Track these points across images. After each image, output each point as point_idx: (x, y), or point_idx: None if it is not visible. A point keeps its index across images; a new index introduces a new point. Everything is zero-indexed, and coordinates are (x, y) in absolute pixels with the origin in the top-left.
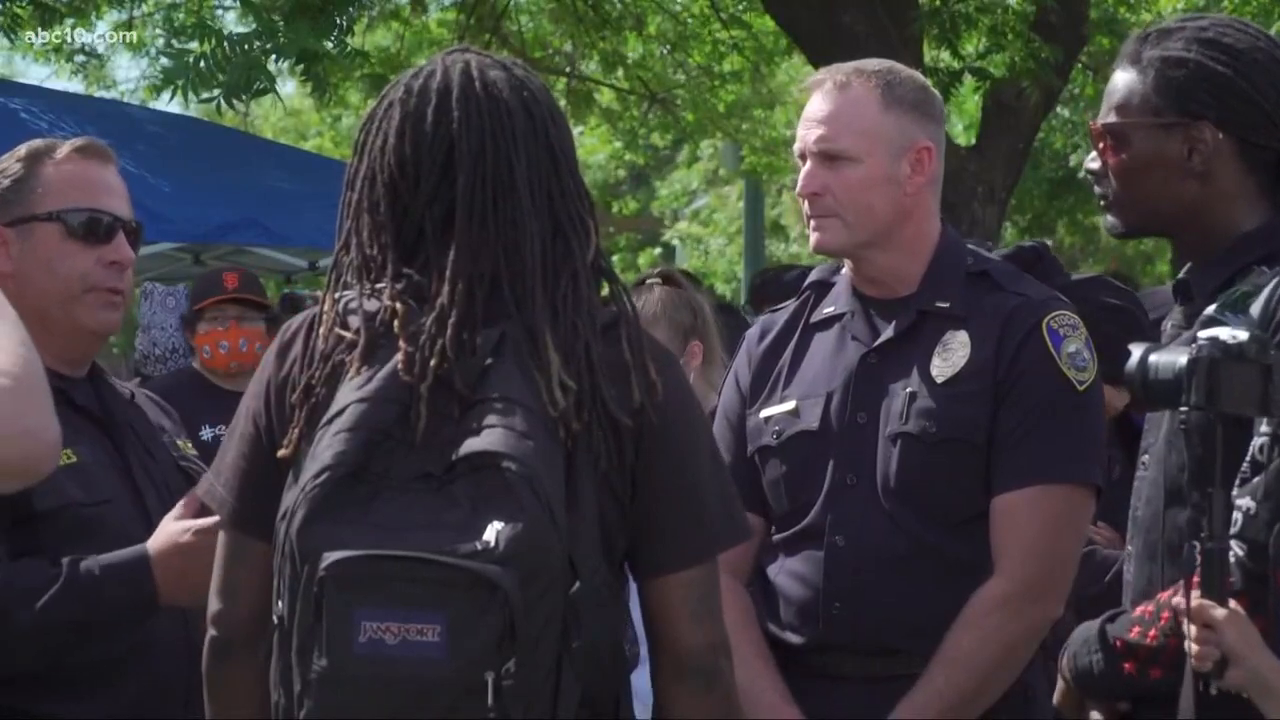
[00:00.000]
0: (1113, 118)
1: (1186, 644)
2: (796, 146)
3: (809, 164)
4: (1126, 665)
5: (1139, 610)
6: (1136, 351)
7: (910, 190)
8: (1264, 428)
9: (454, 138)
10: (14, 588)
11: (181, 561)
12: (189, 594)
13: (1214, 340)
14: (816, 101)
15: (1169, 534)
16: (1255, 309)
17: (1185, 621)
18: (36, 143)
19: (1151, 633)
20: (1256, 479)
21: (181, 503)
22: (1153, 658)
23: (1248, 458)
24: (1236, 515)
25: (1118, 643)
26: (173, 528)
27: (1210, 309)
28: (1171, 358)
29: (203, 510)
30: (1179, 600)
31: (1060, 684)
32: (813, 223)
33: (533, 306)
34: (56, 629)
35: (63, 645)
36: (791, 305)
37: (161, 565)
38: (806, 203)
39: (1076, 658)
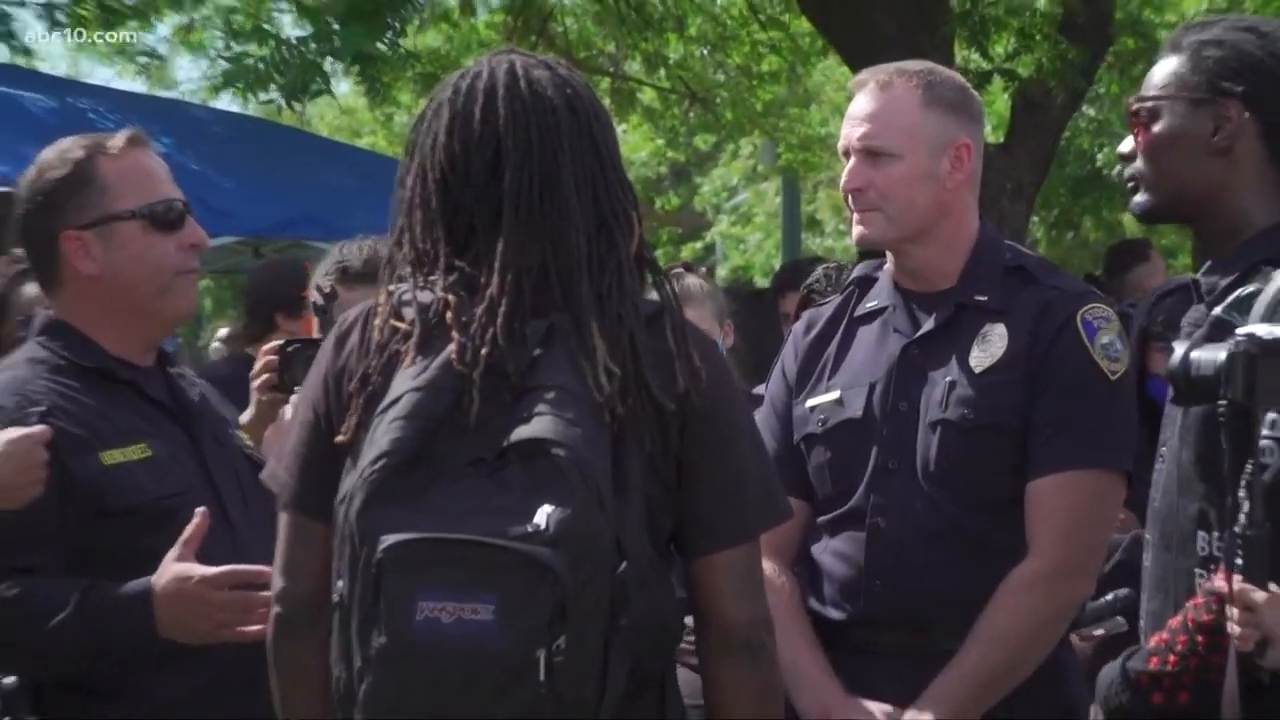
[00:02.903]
0: (1150, 92)
1: (1229, 626)
2: (840, 144)
3: (853, 160)
4: (1155, 697)
5: (1153, 641)
6: (1179, 349)
7: (950, 186)
8: (1265, 431)
9: (501, 135)
10: (28, 606)
11: (179, 606)
12: (186, 635)
13: (1251, 336)
14: (860, 100)
15: (1183, 524)
16: (1258, 309)
17: (1228, 605)
18: (80, 140)
19: (1171, 659)
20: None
21: (182, 539)
22: (1178, 683)
23: (1250, 461)
24: (1241, 518)
25: (1142, 678)
26: (179, 570)
27: (1218, 310)
28: (1212, 354)
29: (205, 547)
30: (1221, 584)
31: None
32: (855, 216)
33: (579, 297)
34: (60, 652)
35: (67, 665)
36: (836, 300)
37: (162, 606)
38: (850, 197)
39: (1108, 700)
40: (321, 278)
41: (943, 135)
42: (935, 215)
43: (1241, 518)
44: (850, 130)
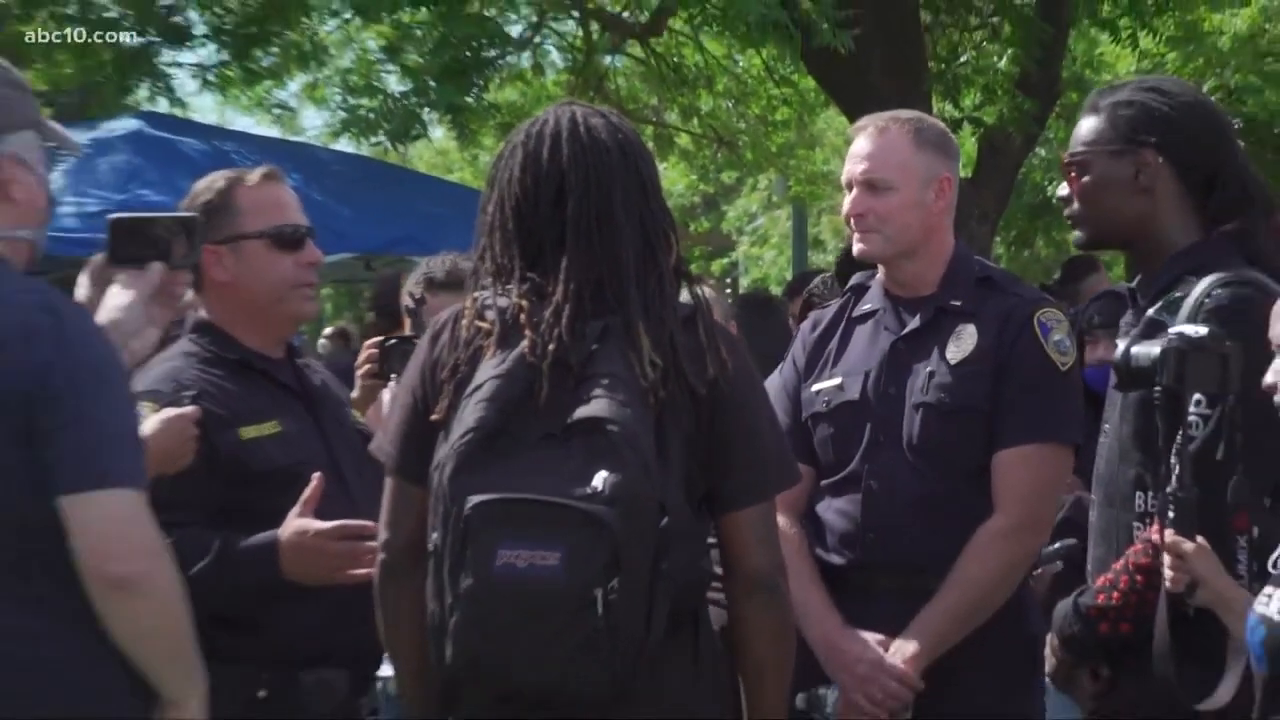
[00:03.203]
0: (1078, 149)
1: (1164, 570)
2: (844, 177)
3: (855, 191)
4: (1102, 627)
5: (1100, 581)
6: (1121, 345)
7: (934, 212)
8: (1192, 410)
9: (564, 172)
10: (177, 554)
11: (299, 555)
12: (306, 577)
13: (1181, 334)
14: (861, 141)
15: (1123, 486)
16: (1183, 311)
17: (1163, 554)
18: (226, 174)
19: (1115, 595)
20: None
21: (302, 499)
22: (1120, 615)
23: (1179, 435)
24: (1173, 480)
25: (1090, 611)
26: (299, 524)
27: (1150, 311)
28: (1148, 349)
29: (326, 506)
30: (1156, 535)
31: (1051, 658)
32: (857, 236)
33: (628, 302)
34: (202, 593)
35: (207, 603)
36: (836, 303)
37: (285, 554)
38: (853, 220)
39: (1062, 630)
40: (412, 286)
41: (929, 170)
42: (922, 236)
43: (1173, 480)
44: (853, 166)
